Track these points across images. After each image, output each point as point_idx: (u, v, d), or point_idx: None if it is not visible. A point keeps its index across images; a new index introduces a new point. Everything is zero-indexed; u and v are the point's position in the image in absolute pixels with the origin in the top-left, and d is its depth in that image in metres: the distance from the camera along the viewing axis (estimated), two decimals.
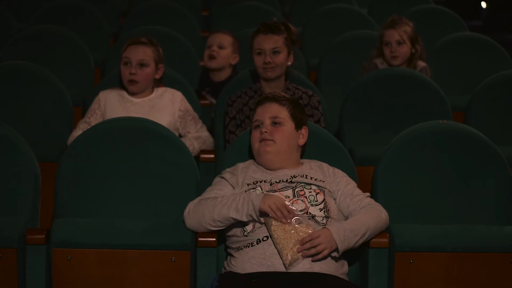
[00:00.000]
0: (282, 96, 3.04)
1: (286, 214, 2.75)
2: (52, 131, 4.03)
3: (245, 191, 2.87)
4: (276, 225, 2.75)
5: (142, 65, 3.76)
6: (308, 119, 3.16)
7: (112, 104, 3.77)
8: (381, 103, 4.07)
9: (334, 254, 2.77)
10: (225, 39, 4.59)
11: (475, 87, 4.31)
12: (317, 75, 5.09)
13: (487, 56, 5.02)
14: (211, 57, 4.57)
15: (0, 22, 5.83)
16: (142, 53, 3.77)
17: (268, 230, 2.77)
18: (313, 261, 2.74)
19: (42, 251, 2.91)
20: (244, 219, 2.80)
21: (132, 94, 3.81)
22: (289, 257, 2.72)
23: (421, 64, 4.44)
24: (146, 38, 3.84)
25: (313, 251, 2.73)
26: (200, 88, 4.66)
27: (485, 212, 3.10)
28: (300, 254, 2.72)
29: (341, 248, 2.76)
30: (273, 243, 2.77)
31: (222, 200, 2.84)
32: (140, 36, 3.88)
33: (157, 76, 3.85)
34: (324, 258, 2.76)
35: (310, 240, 2.72)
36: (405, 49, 4.38)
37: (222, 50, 4.58)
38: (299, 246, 2.72)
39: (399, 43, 4.37)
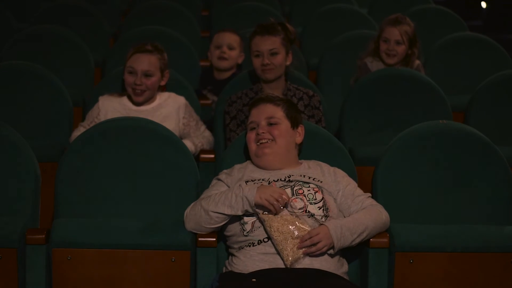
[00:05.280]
0: (276, 97, 3.05)
1: (282, 204, 2.77)
2: (52, 131, 4.03)
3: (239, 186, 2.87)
4: (274, 226, 2.75)
5: (147, 75, 3.71)
6: (302, 118, 3.16)
7: (114, 115, 3.68)
8: (381, 103, 4.07)
9: (330, 251, 2.78)
10: (234, 40, 4.61)
11: (475, 87, 4.31)
12: (317, 75, 5.09)
13: (487, 56, 5.02)
14: (222, 58, 4.59)
15: (0, 22, 5.83)
16: (148, 64, 3.70)
17: (266, 231, 2.78)
18: (311, 256, 2.76)
19: (42, 251, 2.91)
20: (240, 213, 2.81)
21: (135, 102, 3.76)
22: (290, 258, 2.73)
23: (415, 62, 4.43)
24: (151, 44, 3.76)
25: (313, 249, 2.74)
26: (201, 86, 4.66)
27: (485, 212, 3.10)
28: (301, 252, 2.73)
29: (337, 245, 2.76)
30: (273, 244, 2.78)
31: (215, 198, 2.84)
32: (146, 41, 3.82)
33: (162, 83, 3.80)
34: (322, 254, 2.77)
35: (310, 238, 2.73)
36: (402, 49, 4.34)
37: (232, 51, 4.60)
38: (298, 244, 2.73)
39: (398, 42, 4.34)
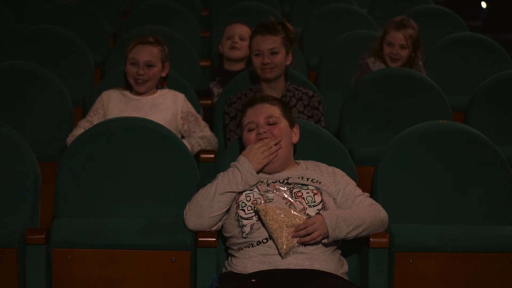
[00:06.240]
0: (270, 96, 3.06)
1: (272, 144, 2.90)
2: (52, 131, 4.03)
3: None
4: (269, 214, 2.76)
5: (149, 65, 3.78)
6: (301, 119, 3.16)
7: (114, 102, 3.78)
8: (381, 103, 4.07)
9: (324, 240, 2.78)
10: (246, 31, 4.66)
11: (475, 87, 4.31)
12: (317, 75, 5.09)
13: (487, 56, 5.02)
14: (234, 48, 4.61)
15: (0, 22, 5.83)
16: (149, 54, 3.78)
17: (261, 220, 2.79)
18: (304, 245, 2.76)
19: (42, 251, 2.91)
20: (240, 189, 2.84)
21: (136, 93, 3.81)
22: (285, 246, 2.74)
23: (418, 64, 4.42)
24: (152, 37, 3.86)
25: (307, 238, 2.75)
26: (211, 78, 4.66)
27: (485, 212, 3.10)
28: (295, 241, 2.74)
29: (331, 235, 2.76)
30: (267, 232, 2.78)
31: (213, 183, 2.87)
32: (146, 35, 3.88)
33: (163, 74, 3.88)
34: (316, 243, 2.77)
35: (305, 228, 2.74)
36: (406, 53, 4.32)
37: (243, 41, 4.62)
38: (293, 232, 2.74)
39: (402, 47, 4.31)
